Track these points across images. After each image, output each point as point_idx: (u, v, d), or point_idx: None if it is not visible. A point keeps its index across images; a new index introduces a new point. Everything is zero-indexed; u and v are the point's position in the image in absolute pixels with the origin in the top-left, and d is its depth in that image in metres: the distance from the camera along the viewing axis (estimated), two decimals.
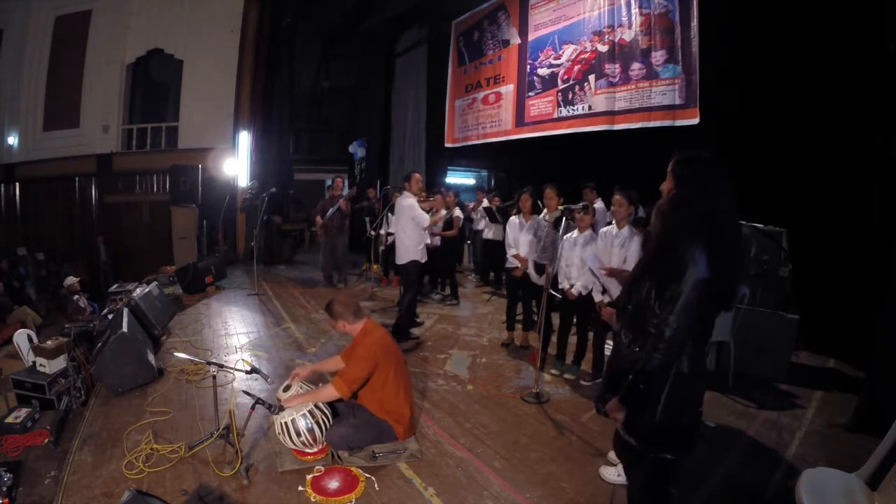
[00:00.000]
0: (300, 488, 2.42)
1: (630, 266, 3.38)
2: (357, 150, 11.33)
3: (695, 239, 1.59)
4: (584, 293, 3.73)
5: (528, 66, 6.93)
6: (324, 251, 7.15)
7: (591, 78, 5.93)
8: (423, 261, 4.71)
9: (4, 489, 2.35)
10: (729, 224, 1.71)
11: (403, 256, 4.64)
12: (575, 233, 3.80)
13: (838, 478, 2.03)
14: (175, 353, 2.98)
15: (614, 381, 1.76)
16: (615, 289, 3.21)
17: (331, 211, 6.62)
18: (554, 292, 3.72)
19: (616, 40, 5.60)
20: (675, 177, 1.76)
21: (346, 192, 7.16)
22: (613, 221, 3.68)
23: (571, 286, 3.78)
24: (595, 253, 3.54)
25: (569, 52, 6.25)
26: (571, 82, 6.22)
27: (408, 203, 4.57)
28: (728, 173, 1.72)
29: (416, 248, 4.62)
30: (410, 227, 4.58)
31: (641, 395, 1.65)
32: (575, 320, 3.95)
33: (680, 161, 1.78)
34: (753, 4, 4.44)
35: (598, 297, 3.66)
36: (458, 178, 12.27)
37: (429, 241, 6.26)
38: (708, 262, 1.58)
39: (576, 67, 6.15)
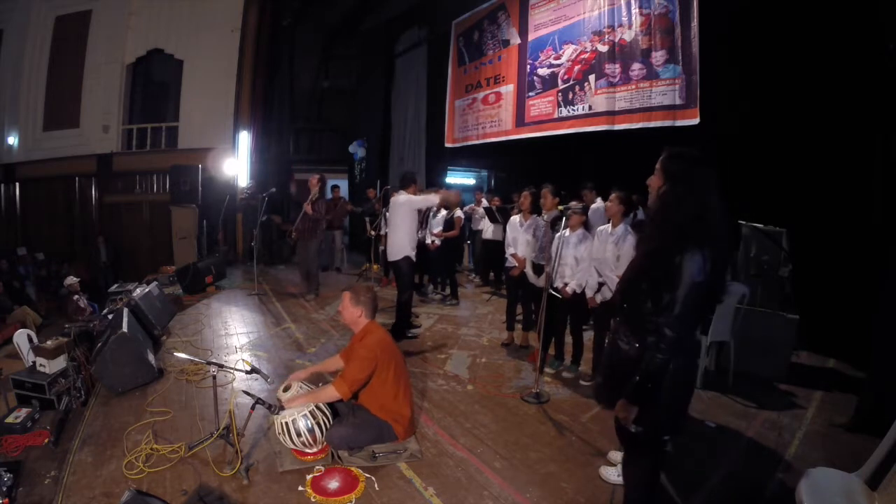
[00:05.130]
0: (300, 488, 2.42)
1: (623, 264, 3.39)
2: (357, 150, 11.33)
3: (690, 244, 1.62)
4: (577, 291, 3.75)
5: (528, 66, 6.93)
6: (299, 256, 6.87)
7: (592, 78, 5.93)
8: (414, 258, 4.74)
9: (4, 489, 2.34)
10: (717, 221, 1.72)
11: (396, 253, 4.68)
12: (567, 231, 3.80)
13: (838, 478, 2.02)
14: (175, 353, 2.97)
15: (616, 381, 1.83)
16: None
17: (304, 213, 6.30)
18: (554, 292, 3.72)
19: (616, 40, 5.60)
20: (666, 173, 1.77)
21: (337, 191, 6.79)
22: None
23: (565, 284, 3.79)
24: (592, 253, 3.57)
25: (569, 52, 6.26)
26: (571, 82, 6.22)
27: (404, 199, 4.63)
28: (715, 170, 1.73)
29: (409, 244, 4.65)
30: (406, 221, 4.60)
31: (649, 393, 1.72)
32: (569, 319, 3.96)
33: (670, 157, 1.79)
34: (754, 4, 4.44)
35: (590, 294, 3.68)
36: (458, 178, 12.23)
37: (429, 241, 6.29)
38: (703, 264, 1.61)
39: (576, 67, 6.15)
